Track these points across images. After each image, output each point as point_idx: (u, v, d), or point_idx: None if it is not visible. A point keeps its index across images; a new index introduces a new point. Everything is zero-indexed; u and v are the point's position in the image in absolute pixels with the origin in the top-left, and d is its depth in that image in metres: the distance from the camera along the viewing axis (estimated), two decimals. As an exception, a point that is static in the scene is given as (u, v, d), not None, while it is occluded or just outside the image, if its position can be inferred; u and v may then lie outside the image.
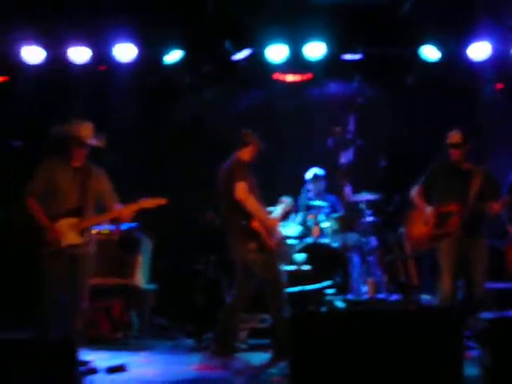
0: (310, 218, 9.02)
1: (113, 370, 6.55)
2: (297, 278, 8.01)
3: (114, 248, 8.52)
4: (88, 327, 7.68)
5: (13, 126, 9.94)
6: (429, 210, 7.23)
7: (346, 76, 10.17)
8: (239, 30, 9.48)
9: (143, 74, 9.91)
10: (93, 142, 6.61)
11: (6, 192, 9.01)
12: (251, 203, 6.82)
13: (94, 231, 6.94)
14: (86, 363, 6.49)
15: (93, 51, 9.55)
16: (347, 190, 8.83)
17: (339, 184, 8.91)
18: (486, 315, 5.48)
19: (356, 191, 9.01)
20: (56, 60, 9.63)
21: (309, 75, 10.09)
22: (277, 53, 9.52)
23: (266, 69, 9.84)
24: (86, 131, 6.59)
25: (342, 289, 8.47)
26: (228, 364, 6.70)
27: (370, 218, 8.95)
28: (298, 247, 8.64)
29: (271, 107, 10.21)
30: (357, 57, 9.69)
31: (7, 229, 9.73)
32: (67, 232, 6.47)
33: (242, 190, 6.78)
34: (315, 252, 8.58)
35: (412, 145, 9.84)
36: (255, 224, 6.83)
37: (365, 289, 8.68)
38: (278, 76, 10.04)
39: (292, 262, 8.32)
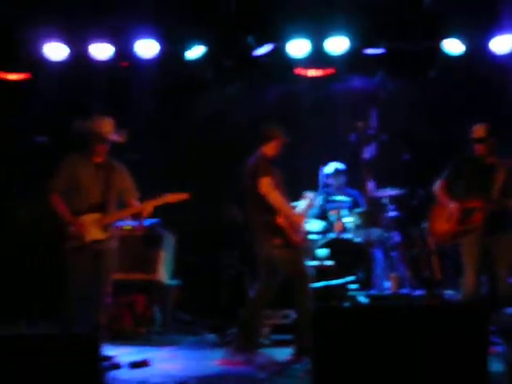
0: (333, 213, 9.00)
1: (136, 365, 6.57)
2: (319, 273, 7.99)
3: (137, 244, 8.55)
4: (111, 322, 7.71)
5: (36, 122, 10.00)
6: (452, 205, 7.17)
7: (368, 71, 10.11)
8: (261, 25, 9.46)
9: (165, 70, 9.92)
10: (114, 137, 6.63)
11: (31, 189, 9.06)
12: (276, 198, 6.79)
13: (116, 227, 6.97)
14: (109, 358, 6.52)
15: (115, 48, 9.58)
16: (370, 185, 8.80)
17: (362, 179, 8.88)
18: (510, 310, 5.44)
19: (379, 186, 8.98)
20: (78, 57, 9.66)
21: (331, 70, 10.04)
22: (299, 48, 9.49)
23: (288, 64, 9.82)
24: (108, 127, 6.62)
25: (364, 284, 8.45)
26: (251, 359, 6.68)
27: (393, 213, 8.90)
28: (321, 242, 8.62)
29: (293, 102, 10.18)
30: (379, 51, 9.63)
31: (32, 225, 9.81)
32: (90, 228, 6.50)
33: (266, 185, 6.76)
34: (338, 247, 8.56)
35: (435, 139, 9.78)
36: (280, 220, 6.80)
37: (388, 284, 8.65)
38: (299, 71, 10.00)
39: (314, 258, 8.30)
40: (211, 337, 8.20)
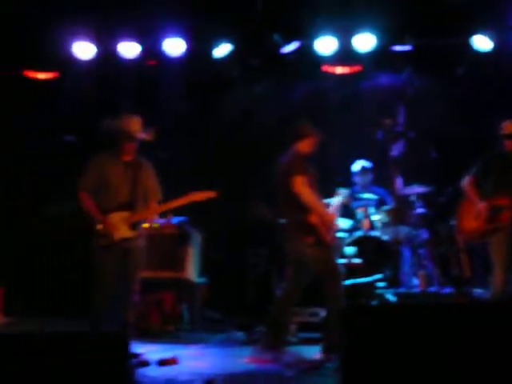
0: (360, 211, 8.98)
1: (164, 362, 6.59)
2: (347, 271, 7.97)
3: (165, 242, 8.58)
4: (139, 320, 7.75)
5: (64, 121, 10.07)
6: (480, 204, 7.11)
7: (395, 68, 10.07)
8: (288, 22, 9.45)
9: (192, 69, 9.94)
10: (142, 136, 6.64)
11: (59, 187, 9.12)
12: (309, 197, 6.76)
13: (144, 225, 6.99)
14: (137, 356, 6.54)
15: (143, 46, 9.62)
16: (398, 182, 8.76)
17: (390, 176, 8.84)
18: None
19: (407, 183, 8.94)
20: (106, 55, 9.72)
21: (358, 67, 10.02)
22: (326, 45, 9.48)
23: (316, 61, 9.80)
24: (136, 125, 6.63)
25: (392, 282, 8.42)
26: (279, 357, 6.68)
27: (421, 211, 8.86)
28: (348, 240, 8.60)
29: (320, 100, 10.15)
30: (407, 48, 9.59)
31: (60, 224, 9.88)
32: (119, 226, 6.52)
33: (300, 183, 6.73)
34: (365, 245, 8.54)
35: (464, 136, 9.71)
36: (313, 218, 6.77)
37: (416, 282, 8.61)
38: (327, 69, 9.98)
39: (342, 256, 8.28)
40: (239, 335, 8.21)
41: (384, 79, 10.36)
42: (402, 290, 8.40)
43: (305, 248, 6.78)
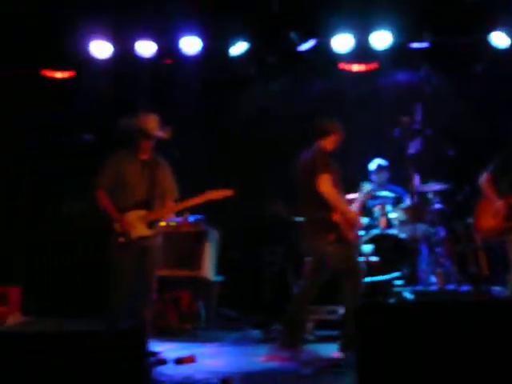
0: (377, 209, 8.95)
1: (181, 360, 6.60)
2: (364, 269, 7.96)
3: (182, 240, 8.59)
4: (157, 318, 7.77)
5: (82, 120, 10.10)
6: (498, 202, 7.07)
7: (412, 65, 10.03)
8: (304, 20, 9.43)
9: (209, 67, 9.94)
10: (159, 134, 6.65)
11: (77, 186, 9.15)
12: (334, 196, 6.71)
13: (161, 223, 7.00)
14: (155, 354, 6.56)
15: (159, 45, 9.64)
16: (415, 180, 8.72)
17: (407, 174, 8.80)
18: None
19: (424, 181, 8.90)
20: (123, 54, 9.74)
21: (375, 65, 9.99)
22: (342, 43, 9.46)
23: (332, 59, 9.78)
24: (153, 123, 6.64)
25: (410, 280, 8.39)
26: (295, 355, 6.68)
27: (438, 209, 8.83)
28: (366, 238, 8.58)
29: (337, 98, 10.13)
30: (424, 45, 9.55)
31: (78, 222, 9.91)
32: (136, 224, 6.54)
33: (325, 182, 6.68)
34: (383, 243, 8.51)
35: (481, 133, 9.66)
36: (336, 217, 6.74)
37: (434, 280, 8.57)
38: (343, 66, 9.96)
39: (360, 254, 8.26)
40: (255, 333, 8.21)
41: (401, 77, 10.33)
42: (419, 287, 8.37)
43: (326, 245, 6.75)
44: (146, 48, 9.63)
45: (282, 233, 8.93)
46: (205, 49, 9.65)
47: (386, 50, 9.50)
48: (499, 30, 9.17)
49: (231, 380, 5.79)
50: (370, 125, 9.83)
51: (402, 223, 8.84)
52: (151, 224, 6.63)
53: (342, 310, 7.12)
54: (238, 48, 9.66)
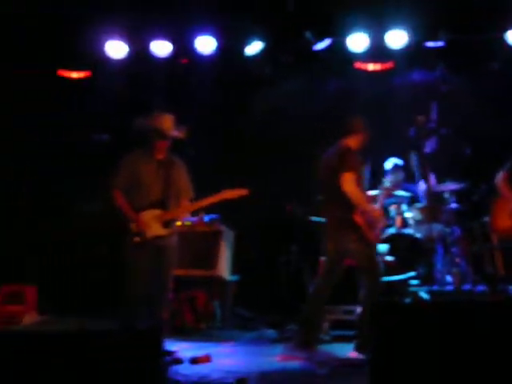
0: (393, 209, 8.93)
1: (197, 360, 6.61)
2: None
3: (197, 239, 8.60)
4: (172, 318, 7.79)
5: (97, 120, 10.13)
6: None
7: (428, 64, 10.00)
8: (320, 19, 9.43)
9: (224, 66, 9.95)
10: (174, 133, 6.66)
11: (93, 185, 9.18)
12: (357, 196, 6.69)
13: (177, 223, 7.01)
14: (171, 353, 6.57)
15: (174, 45, 9.65)
16: (431, 179, 8.70)
17: (423, 174, 8.78)
18: None
19: (439, 180, 8.88)
20: (138, 54, 9.77)
21: (390, 64, 9.96)
22: (358, 42, 9.45)
23: (348, 58, 9.77)
24: (168, 123, 6.65)
25: (425, 280, 8.36)
26: (311, 355, 6.67)
27: (454, 208, 8.80)
28: (381, 238, 8.55)
29: (352, 97, 10.12)
30: (439, 44, 9.52)
31: (93, 222, 9.94)
32: (151, 224, 6.55)
33: (349, 181, 6.65)
34: (398, 243, 8.48)
35: (497, 132, 9.62)
36: (357, 217, 6.72)
37: (449, 280, 8.54)
38: (359, 65, 9.94)
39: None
40: (270, 332, 8.21)
41: (416, 76, 10.30)
42: (435, 287, 8.34)
43: (348, 244, 6.74)
44: (161, 48, 9.66)
45: (297, 232, 8.92)
46: (220, 48, 9.66)
47: (401, 49, 9.50)
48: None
49: (246, 379, 5.80)
50: (386, 124, 9.81)
51: (418, 223, 8.81)
52: (167, 223, 6.64)
53: (359, 310, 7.10)
54: (253, 47, 9.67)
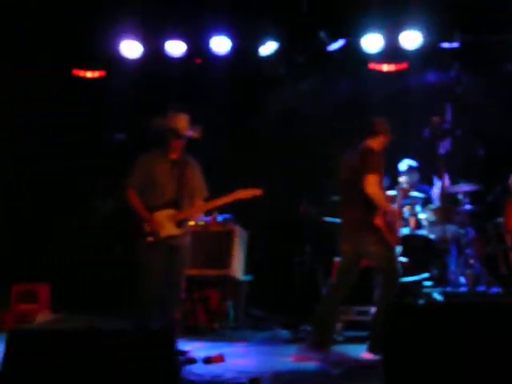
0: (407, 209, 8.91)
1: (210, 360, 6.60)
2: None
3: (210, 239, 8.60)
4: (186, 318, 7.80)
5: (112, 119, 10.16)
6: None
7: (443, 65, 9.97)
8: (334, 20, 9.43)
9: (238, 67, 9.96)
10: (189, 133, 6.67)
11: (107, 185, 9.21)
12: (380, 198, 6.65)
13: (190, 222, 7.02)
14: (184, 353, 6.57)
15: (189, 45, 9.68)
16: (445, 180, 8.67)
17: (437, 175, 8.76)
18: None
19: (454, 181, 8.85)
20: (153, 54, 9.79)
21: (405, 64, 9.95)
22: (372, 42, 9.44)
23: (362, 59, 9.77)
24: (183, 123, 6.66)
25: (439, 281, 8.34)
26: (324, 356, 6.66)
27: (468, 209, 8.77)
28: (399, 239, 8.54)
29: (366, 98, 10.11)
30: (454, 45, 9.50)
31: (108, 221, 9.97)
32: (165, 223, 6.56)
33: (372, 183, 6.58)
34: (412, 244, 8.46)
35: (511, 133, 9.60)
36: (378, 220, 6.69)
37: (463, 281, 8.52)
38: (373, 66, 9.93)
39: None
40: (284, 333, 8.21)
41: (431, 76, 10.27)
42: (448, 289, 8.32)
43: (368, 245, 6.72)
44: (175, 48, 9.69)
45: (311, 232, 8.92)
46: (234, 48, 9.68)
47: (416, 50, 9.49)
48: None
49: (259, 380, 5.79)
50: (400, 125, 9.78)
51: (432, 224, 8.79)
52: (180, 223, 6.65)
53: (373, 310, 7.09)
54: (268, 48, 9.68)
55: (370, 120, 6.99)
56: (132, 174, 6.68)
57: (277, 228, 9.89)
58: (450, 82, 9.79)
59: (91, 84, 10.26)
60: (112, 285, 9.70)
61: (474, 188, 8.75)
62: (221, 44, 9.61)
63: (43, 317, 8.88)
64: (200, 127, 6.71)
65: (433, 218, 8.81)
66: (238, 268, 8.60)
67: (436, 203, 8.94)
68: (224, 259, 8.51)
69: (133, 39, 9.64)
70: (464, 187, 8.78)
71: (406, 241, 8.45)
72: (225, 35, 9.57)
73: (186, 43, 9.70)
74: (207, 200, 6.83)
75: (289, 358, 6.76)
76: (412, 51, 9.50)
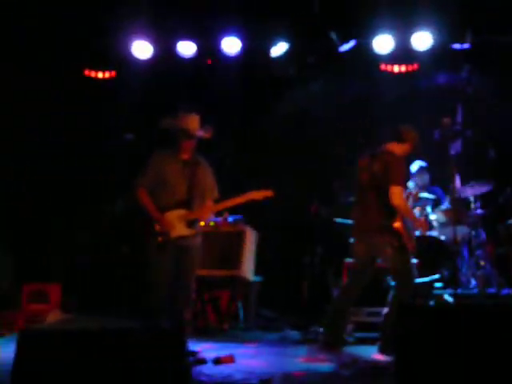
0: (417, 211, 8.89)
1: (220, 360, 6.60)
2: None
3: (220, 240, 8.60)
4: (196, 318, 7.80)
5: (123, 119, 10.18)
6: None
7: (453, 66, 9.96)
8: (345, 21, 9.42)
9: (249, 67, 9.97)
10: (200, 133, 6.68)
11: (118, 185, 9.23)
12: (406, 209, 6.69)
13: (201, 223, 7.02)
14: (194, 354, 6.57)
15: (199, 45, 9.69)
16: (456, 181, 8.66)
17: (448, 176, 8.74)
18: None
19: (465, 183, 8.83)
20: (164, 54, 9.81)
21: (415, 66, 9.94)
22: (383, 44, 9.44)
23: (372, 60, 9.76)
24: (194, 123, 6.67)
25: (450, 283, 8.32)
26: (335, 357, 6.65)
27: (479, 211, 8.75)
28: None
29: (377, 99, 10.10)
30: (465, 46, 9.48)
31: (119, 221, 9.99)
32: (176, 224, 6.57)
33: (398, 194, 6.58)
34: (423, 245, 8.44)
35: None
36: (398, 225, 6.69)
37: (474, 283, 8.50)
38: (384, 67, 9.93)
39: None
40: (294, 334, 8.20)
41: (442, 78, 10.26)
42: (459, 290, 8.29)
43: (385, 248, 6.72)
44: (186, 48, 9.71)
45: (322, 233, 8.91)
46: (245, 49, 9.69)
47: (426, 51, 9.48)
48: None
49: (270, 380, 5.78)
50: (411, 126, 9.76)
51: (442, 225, 8.78)
52: (191, 224, 6.65)
53: (384, 311, 7.08)
54: (279, 48, 9.69)
55: (398, 127, 6.95)
56: (144, 173, 6.69)
57: (287, 229, 9.89)
58: (460, 83, 9.77)
59: (102, 84, 10.28)
60: (123, 285, 9.71)
61: (485, 189, 8.73)
62: (231, 45, 9.62)
63: (54, 317, 8.89)
64: (211, 128, 6.72)
65: (443, 219, 8.80)
66: (248, 269, 8.60)
67: (447, 203, 8.93)
68: (234, 260, 8.51)
69: (144, 40, 9.66)
70: (475, 188, 8.75)
71: (416, 242, 8.44)
72: (235, 36, 9.58)
73: (197, 44, 9.71)
74: (218, 201, 6.83)
75: (299, 359, 6.75)
76: (423, 52, 9.50)
